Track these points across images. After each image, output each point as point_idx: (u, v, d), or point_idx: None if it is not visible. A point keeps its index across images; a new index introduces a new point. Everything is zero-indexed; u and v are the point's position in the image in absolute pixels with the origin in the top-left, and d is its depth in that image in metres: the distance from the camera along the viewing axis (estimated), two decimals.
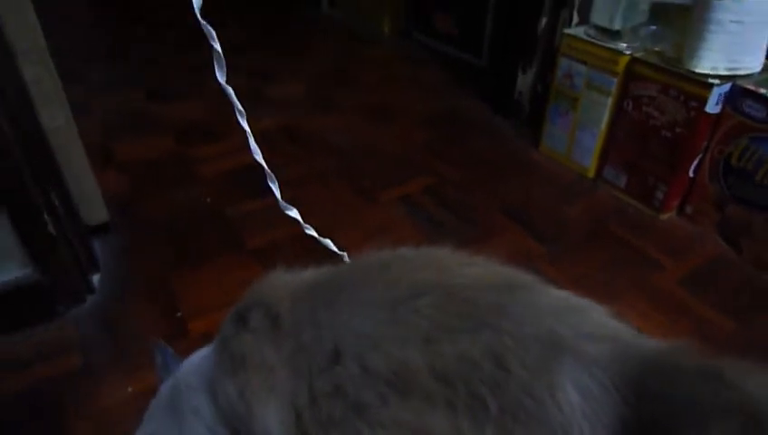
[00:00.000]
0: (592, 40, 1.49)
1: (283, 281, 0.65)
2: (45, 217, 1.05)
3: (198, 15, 0.81)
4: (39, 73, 1.09)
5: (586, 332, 0.48)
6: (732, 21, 1.19)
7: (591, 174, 1.60)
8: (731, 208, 1.33)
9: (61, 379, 1.02)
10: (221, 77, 0.89)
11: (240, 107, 0.95)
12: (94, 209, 1.31)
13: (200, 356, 0.73)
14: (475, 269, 0.57)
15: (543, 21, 1.67)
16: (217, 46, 0.85)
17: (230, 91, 0.91)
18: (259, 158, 1.00)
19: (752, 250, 1.30)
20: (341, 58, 2.51)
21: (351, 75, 2.31)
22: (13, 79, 0.99)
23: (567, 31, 1.56)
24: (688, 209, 1.44)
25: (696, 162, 1.37)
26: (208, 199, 1.51)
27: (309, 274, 0.66)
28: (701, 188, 1.39)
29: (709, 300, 1.20)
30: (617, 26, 1.47)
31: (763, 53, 1.27)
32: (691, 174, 1.39)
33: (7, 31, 0.98)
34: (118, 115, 1.95)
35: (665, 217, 1.45)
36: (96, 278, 1.23)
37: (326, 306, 0.57)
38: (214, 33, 0.83)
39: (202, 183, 1.59)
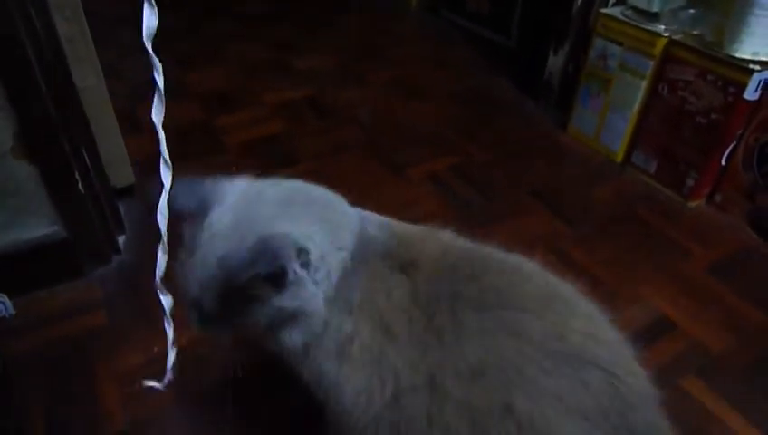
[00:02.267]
0: (629, 21, 1.45)
1: (429, 239, 0.64)
2: (76, 175, 1.06)
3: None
4: (72, 31, 1.09)
5: None
6: None
7: (620, 158, 1.57)
8: (764, 198, 1.30)
9: (87, 337, 1.04)
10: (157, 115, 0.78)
11: (167, 156, 0.83)
12: (121, 172, 1.32)
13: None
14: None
15: (579, 1, 1.64)
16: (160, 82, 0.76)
17: (161, 135, 0.81)
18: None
19: None
20: (368, 32, 2.48)
21: (378, 50, 2.28)
22: (48, 35, 0.98)
23: (603, 11, 1.52)
24: (718, 198, 1.41)
25: (729, 150, 1.34)
26: (234, 168, 1.51)
27: (448, 240, 0.64)
28: (733, 177, 1.36)
29: (738, 289, 1.19)
30: (655, 8, 1.43)
31: None
32: (723, 162, 1.36)
33: None
34: (146, 80, 1.94)
35: (693, 204, 1.43)
36: (122, 240, 1.24)
37: (473, 307, 0.54)
38: (159, 66, 0.74)
39: (226, 151, 1.59)
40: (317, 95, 1.90)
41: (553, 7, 1.75)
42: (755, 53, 1.23)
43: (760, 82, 1.23)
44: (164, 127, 0.80)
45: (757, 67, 1.21)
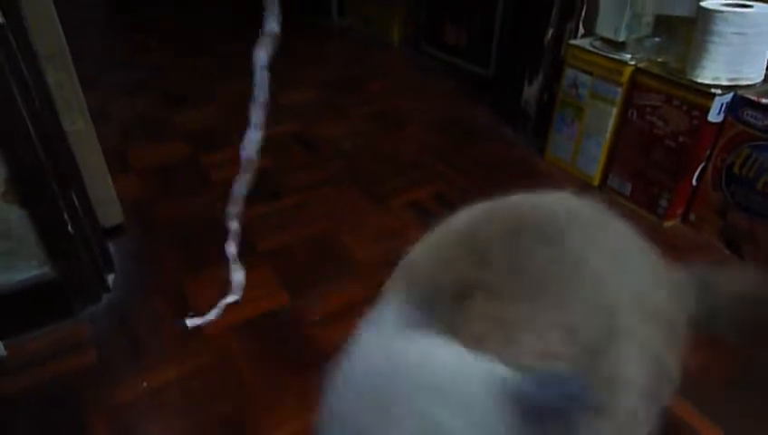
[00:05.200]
0: (597, 51, 1.52)
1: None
2: (65, 217, 1.09)
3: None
4: (61, 78, 1.13)
5: None
6: (733, 33, 1.22)
7: (596, 182, 1.62)
8: (733, 216, 1.35)
9: (77, 375, 1.05)
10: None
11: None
12: (110, 211, 1.35)
13: None
14: None
15: (550, 32, 1.71)
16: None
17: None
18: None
19: (754, 257, 1.32)
20: (351, 66, 2.55)
21: (361, 83, 2.35)
22: (37, 82, 1.02)
23: (573, 42, 1.59)
24: (692, 217, 1.46)
25: (699, 171, 1.39)
26: (219, 203, 1.54)
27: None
28: (704, 196, 1.41)
29: None
30: (621, 38, 1.50)
31: (765, 64, 1.30)
32: (694, 182, 1.41)
33: (33, 36, 1.02)
34: (133, 121, 2.00)
35: (669, 224, 1.48)
36: (111, 278, 1.27)
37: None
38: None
39: (214, 187, 1.62)
40: (302, 129, 1.95)
41: (527, 39, 1.82)
42: (716, 78, 1.29)
43: (722, 105, 1.29)
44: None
45: (718, 91, 1.27)
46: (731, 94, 1.28)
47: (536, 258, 0.57)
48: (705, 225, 1.43)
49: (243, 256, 1.36)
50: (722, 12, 1.22)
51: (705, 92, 1.28)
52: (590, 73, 1.54)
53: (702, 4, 1.27)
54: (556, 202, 0.67)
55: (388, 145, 1.87)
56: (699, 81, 1.30)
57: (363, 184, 1.65)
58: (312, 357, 1.09)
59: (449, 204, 1.56)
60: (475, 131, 1.97)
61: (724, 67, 1.27)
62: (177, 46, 2.73)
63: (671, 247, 1.40)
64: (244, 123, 1.97)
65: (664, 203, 1.46)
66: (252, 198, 1.57)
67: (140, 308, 1.21)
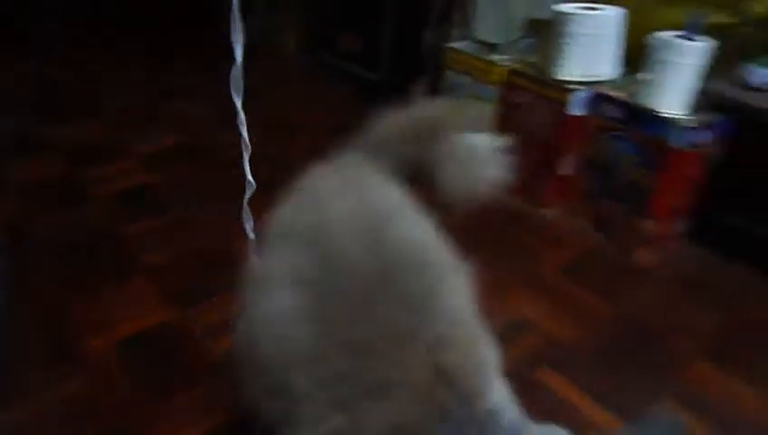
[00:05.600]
0: (473, 53, 1.60)
1: None
2: None
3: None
4: None
5: None
6: (583, 34, 1.33)
7: None
8: (598, 202, 1.46)
9: None
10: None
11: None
12: None
13: None
14: None
15: (429, 36, 1.78)
16: None
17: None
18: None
19: (616, 238, 1.44)
20: (247, 75, 2.52)
21: (255, 91, 2.32)
22: None
23: (451, 45, 1.67)
24: (565, 204, 1.57)
25: (566, 161, 1.50)
26: (105, 216, 1.49)
27: None
28: (574, 185, 1.52)
29: (586, 285, 1.32)
30: (495, 40, 1.59)
31: (616, 62, 1.42)
32: (564, 172, 1.52)
33: None
34: (6, 138, 1.87)
35: (545, 212, 1.58)
36: None
37: None
38: None
39: (95, 203, 1.56)
40: (190, 141, 1.91)
41: (412, 43, 1.89)
42: (573, 76, 1.40)
43: (580, 100, 1.40)
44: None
45: (574, 87, 1.38)
46: (589, 90, 1.39)
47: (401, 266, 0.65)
48: (578, 211, 1.54)
49: (126, 272, 1.32)
50: (573, 14, 1.33)
51: (564, 89, 1.39)
52: (468, 75, 1.62)
53: (555, 7, 1.38)
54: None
55: (280, 153, 1.87)
56: (559, 78, 1.40)
57: (254, 191, 1.63)
58: (201, 368, 1.07)
59: None
60: None
61: (579, 65, 1.38)
62: (50, 60, 2.58)
63: (551, 234, 1.50)
64: (131, 136, 1.92)
65: (540, 192, 1.55)
66: (134, 212, 1.52)
67: (9, 333, 1.14)
